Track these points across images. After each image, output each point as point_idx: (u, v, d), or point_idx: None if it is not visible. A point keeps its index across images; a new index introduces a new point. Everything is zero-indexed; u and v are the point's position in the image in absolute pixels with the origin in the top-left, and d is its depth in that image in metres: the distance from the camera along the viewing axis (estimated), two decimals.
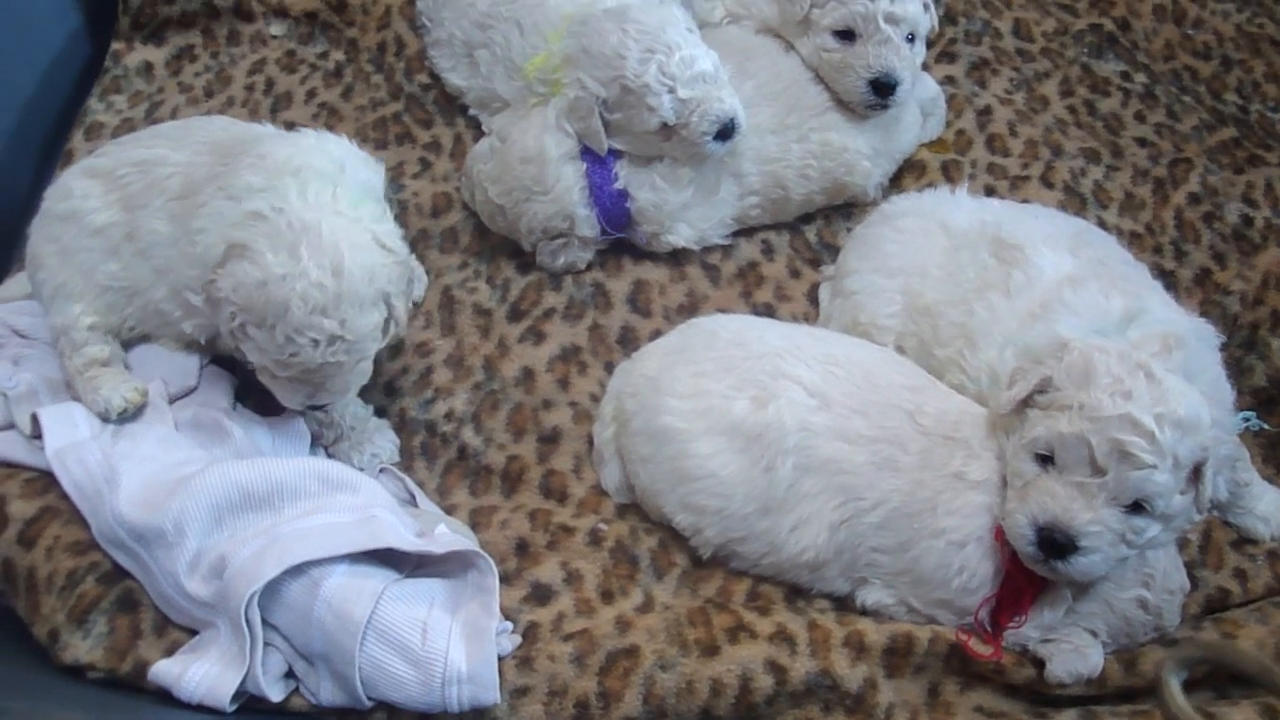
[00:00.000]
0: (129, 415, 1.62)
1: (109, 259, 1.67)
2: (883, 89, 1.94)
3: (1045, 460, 1.42)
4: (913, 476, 1.51)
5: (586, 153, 1.87)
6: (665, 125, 1.81)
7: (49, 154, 2.19)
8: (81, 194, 1.69)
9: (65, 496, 1.50)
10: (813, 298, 1.96)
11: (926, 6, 1.99)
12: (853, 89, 1.95)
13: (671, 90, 1.78)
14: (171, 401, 1.66)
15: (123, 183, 1.68)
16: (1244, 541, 1.72)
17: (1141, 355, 1.43)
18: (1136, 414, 1.35)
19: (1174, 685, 1.27)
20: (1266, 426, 1.77)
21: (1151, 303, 1.62)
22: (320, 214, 1.50)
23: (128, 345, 1.75)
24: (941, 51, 2.34)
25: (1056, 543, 1.38)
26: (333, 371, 1.52)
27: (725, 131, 1.83)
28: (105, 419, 1.61)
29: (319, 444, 1.70)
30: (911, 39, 1.97)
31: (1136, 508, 1.38)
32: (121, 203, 1.67)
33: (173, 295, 1.64)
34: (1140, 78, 2.34)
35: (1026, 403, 1.46)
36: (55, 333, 1.69)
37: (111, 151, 1.75)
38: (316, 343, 1.46)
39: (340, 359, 1.50)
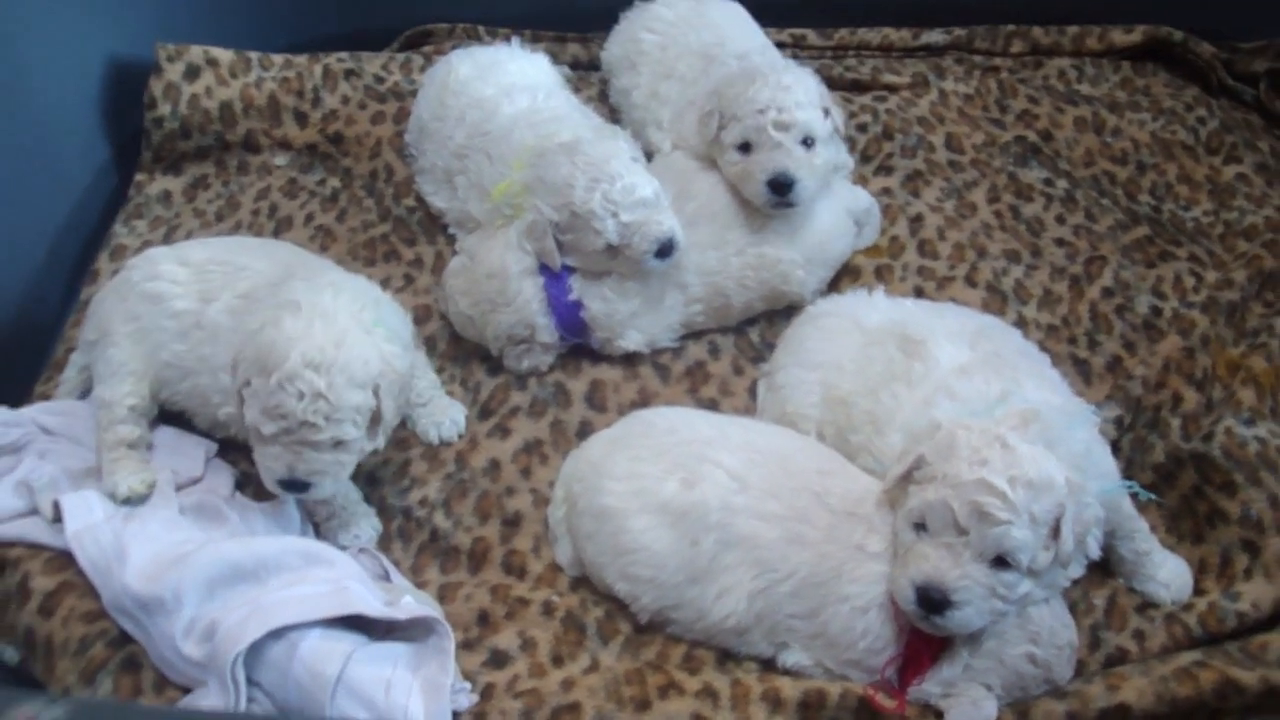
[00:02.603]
0: (132, 502, 1.84)
1: (178, 340, 1.94)
2: (779, 187, 2.12)
3: (920, 528, 1.59)
4: (819, 549, 1.69)
5: (544, 268, 2.09)
6: (610, 245, 2.02)
7: (77, 274, 2.44)
8: (170, 278, 1.96)
9: (81, 573, 1.72)
10: (753, 392, 2.15)
11: (827, 111, 2.18)
12: (755, 192, 2.15)
13: (614, 215, 2.00)
14: (179, 489, 1.89)
15: (207, 276, 1.95)
16: (1148, 606, 1.86)
17: (1000, 429, 1.61)
18: (990, 478, 1.53)
19: None
20: (1153, 497, 1.93)
21: (1027, 386, 1.79)
22: (340, 313, 1.76)
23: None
24: (879, 165, 2.56)
25: (933, 599, 1.55)
26: (310, 435, 1.69)
27: (664, 250, 2.04)
28: (112, 499, 1.85)
29: (311, 521, 1.92)
30: (809, 143, 2.15)
31: (1001, 563, 1.55)
32: (200, 293, 1.94)
33: (215, 379, 1.88)
34: (1062, 183, 2.55)
35: (908, 479, 1.64)
36: (99, 404, 1.95)
37: (200, 248, 2.05)
38: (302, 394, 1.66)
39: (318, 421, 1.68)
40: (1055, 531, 1.57)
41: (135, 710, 1.10)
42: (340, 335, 1.72)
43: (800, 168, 2.13)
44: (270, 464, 1.74)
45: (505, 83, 2.34)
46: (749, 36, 2.46)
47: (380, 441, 1.83)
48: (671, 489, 1.76)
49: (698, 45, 2.42)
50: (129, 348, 1.95)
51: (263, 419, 1.69)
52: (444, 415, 2.08)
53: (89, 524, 1.73)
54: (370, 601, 1.63)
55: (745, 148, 2.16)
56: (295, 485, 1.75)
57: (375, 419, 1.78)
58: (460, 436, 2.09)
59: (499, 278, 2.08)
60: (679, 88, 2.39)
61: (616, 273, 2.11)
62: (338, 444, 1.74)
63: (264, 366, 1.68)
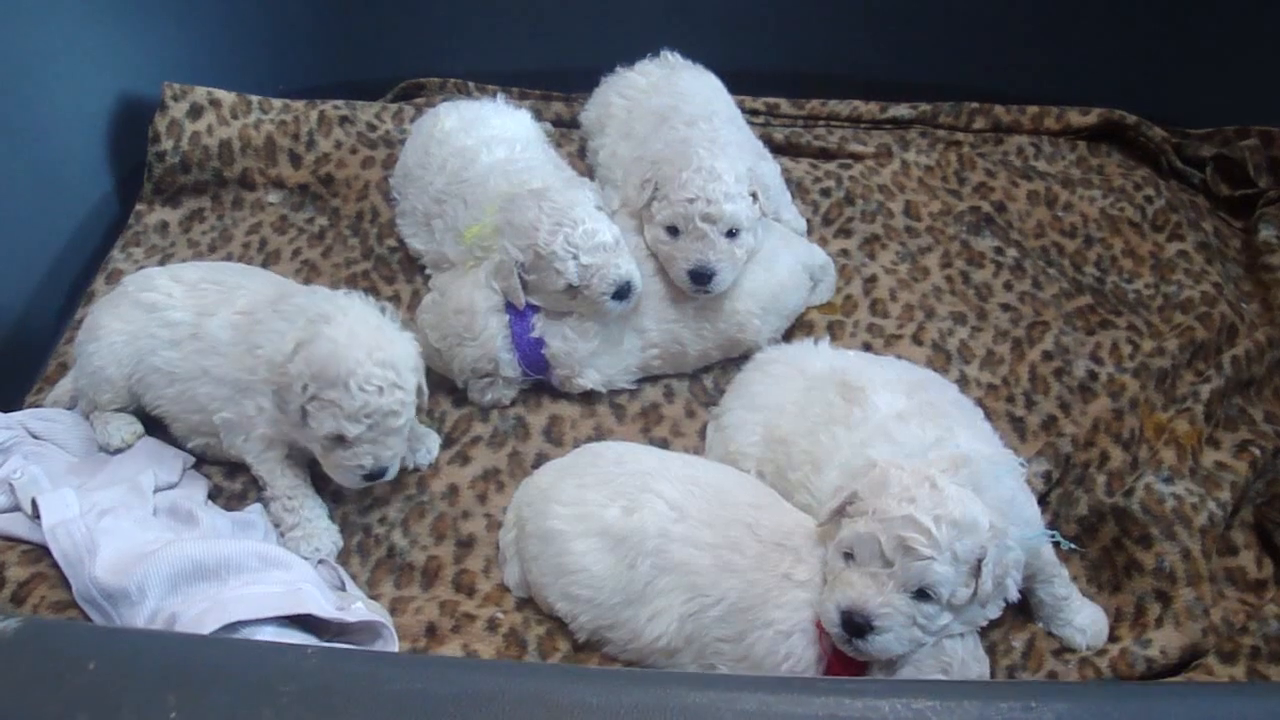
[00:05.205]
0: (124, 449, 2.10)
1: (170, 348, 2.08)
2: (700, 278, 2.22)
3: (849, 557, 1.68)
4: (748, 576, 1.78)
5: (510, 306, 2.21)
6: (571, 286, 2.14)
7: (74, 295, 2.58)
8: (165, 291, 2.11)
9: (55, 566, 1.82)
10: (703, 434, 2.26)
11: (755, 196, 2.26)
12: (677, 277, 2.25)
13: (575, 257, 2.12)
14: (156, 491, 2.00)
15: (201, 293, 2.11)
16: (1064, 649, 1.94)
17: (930, 471, 1.70)
18: (917, 515, 1.62)
19: None
20: (1074, 546, 2.04)
21: (960, 434, 1.89)
22: (368, 313, 1.98)
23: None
24: (840, 228, 2.69)
25: (856, 623, 1.63)
26: (392, 424, 1.92)
27: (622, 292, 2.16)
28: (105, 450, 2.10)
29: (277, 531, 2.04)
30: (734, 233, 2.23)
31: (923, 595, 1.64)
32: (196, 308, 2.09)
33: (215, 388, 2.05)
34: (1012, 252, 2.67)
35: (842, 513, 1.73)
36: (81, 391, 2.14)
37: (193, 269, 2.19)
38: (381, 389, 1.87)
39: (397, 408, 1.90)
40: (976, 570, 1.66)
41: (84, 629, 1.20)
42: (379, 332, 1.93)
43: (721, 259, 2.22)
44: (355, 462, 1.95)
45: (486, 135, 2.47)
46: (708, 103, 2.56)
47: (424, 404, 2.06)
48: (613, 515, 1.86)
49: (657, 108, 2.53)
50: (117, 345, 2.09)
51: (348, 424, 1.89)
52: (420, 443, 2.20)
53: (64, 519, 1.84)
54: (322, 603, 1.73)
55: (673, 230, 2.25)
56: (377, 474, 1.98)
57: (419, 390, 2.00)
58: (432, 464, 2.21)
59: (466, 314, 2.20)
60: (633, 147, 2.50)
61: (577, 313, 2.22)
62: (403, 426, 1.96)
63: (332, 378, 1.87)
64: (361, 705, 0.83)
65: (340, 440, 1.92)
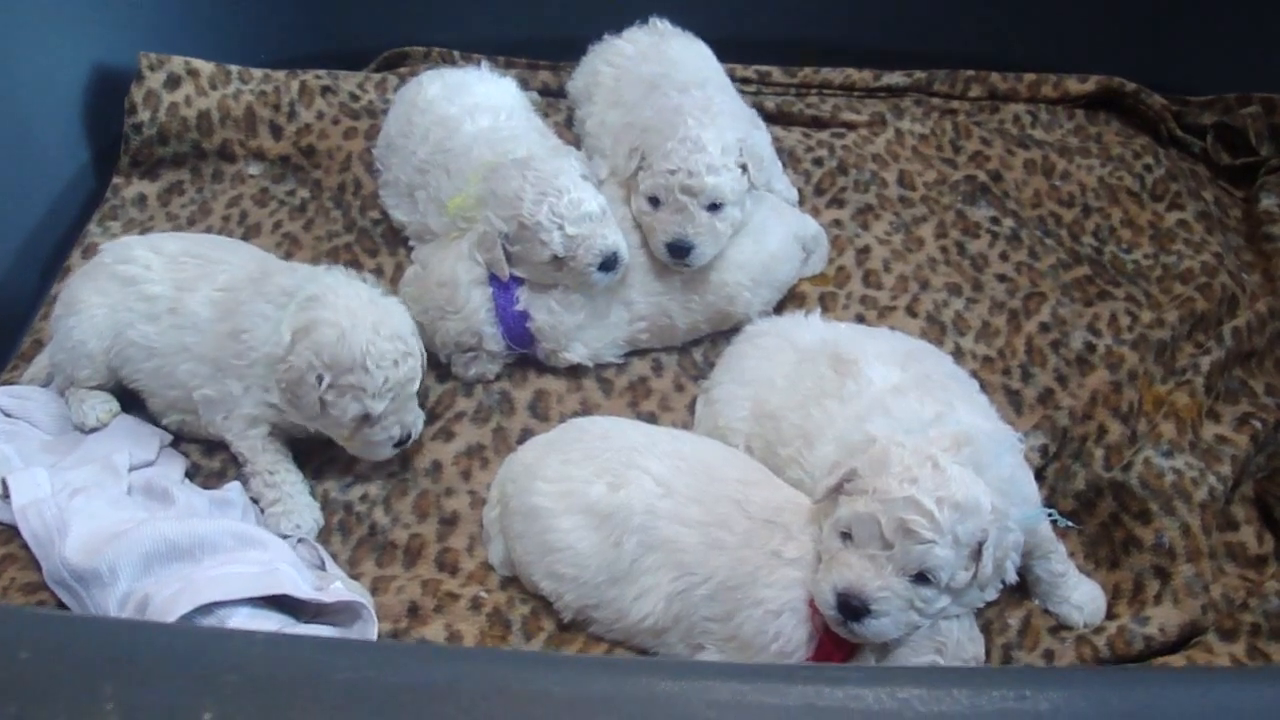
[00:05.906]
0: (99, 428, 2.06)
1: (148, 322, 2.04)
2: (677, 251, 2.17)
3: (846, 537, 1.63)
4: (736, 554, 1.74)
5: (493, 279, 2.16)
6: (556, 257, 2.09)
7: (50, 270, 2.52)
8: (144, 264, 2.06)
9: (25, 547, 1.78)
10: (692, 408, 2.22)
11: (744, 168, 2.20)
12: (656, 249, 2.20)
13: (560, 227, 2.07)
14: (131, 469, 1.96)
15: (180, 266, 2.06)
16: (1061, 627, 1.90)
17: (932, 449, 1.64)
18: (919, 496, 1.56)
19: None
20: (1071, 524, 2.00)
21: (959, 409, 1.84)
22: (356, 285, 1.97)
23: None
24: (832, 198, 2.64)
25: (852, 606, 1.58)
26: (411, 390, 1.96)
27: (608, 263, 2.12)
28: (81, 429, 2.06)
29: (258, 507, 2.00)
30: (716, 207, 2.16)
31: (922, 579, 1.59)
32: (174, 282, 2.04)
33: (196, 365, 2.01)
34: (1008, 222, 2.62)
35: (839, 490, 1.68)
36: (57, 367, 2.09)
37: (173, 240, 2.15)
38: (396, 361, 1.89)
39: (413, 375, 1.94)
40: (976, 554, 1.61)
41: (16, 614, 1.15)
42: (375, 305, 1.92)
43: (700, 234, 2.16)
44: (385, 435, 1.97)
45: (470, 103, 2.41)
46: (699, 71, 2.51)
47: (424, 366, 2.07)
48: (598, 491, 1.81)
49: (647, 75, 2.47)
50: (98, 320, 2.04)
51: (373, 402, 1.90)
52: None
53: (35, 499, 1.80)
54: (299, 583, 1.69)
55: (654, 201, 2.19)
56: (406, 439, 2.02)
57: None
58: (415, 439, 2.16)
59: (449, 286, 2.16)
60: (622, 115, 2.45)
61: (563, 285, 2.17)
62: (416, 382, 1.99)
63: (348, 364, 1.86)
64: (309, 695, 0.78)
65: (366, 418, 1.92)
